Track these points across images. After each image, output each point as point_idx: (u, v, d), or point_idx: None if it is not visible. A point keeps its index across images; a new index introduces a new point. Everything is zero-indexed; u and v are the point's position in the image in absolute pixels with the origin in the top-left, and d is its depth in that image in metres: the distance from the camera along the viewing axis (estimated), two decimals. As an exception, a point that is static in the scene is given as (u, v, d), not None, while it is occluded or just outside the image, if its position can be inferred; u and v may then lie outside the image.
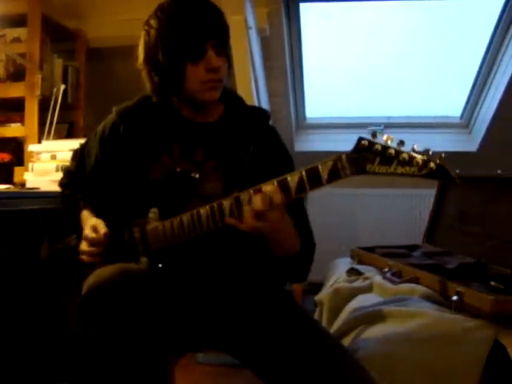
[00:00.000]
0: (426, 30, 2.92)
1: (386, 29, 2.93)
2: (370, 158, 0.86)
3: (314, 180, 0.92)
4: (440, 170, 0.83)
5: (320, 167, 0.91)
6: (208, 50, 1.09)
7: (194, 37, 1.08)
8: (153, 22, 1.11)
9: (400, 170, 0.85)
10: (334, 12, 2.91)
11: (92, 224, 1.15)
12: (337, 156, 0.90)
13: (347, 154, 0.89)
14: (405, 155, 0.84)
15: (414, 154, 0.84)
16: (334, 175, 0.90)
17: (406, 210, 3.07)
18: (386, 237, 2.97)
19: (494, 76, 2.80)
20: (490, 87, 2.86)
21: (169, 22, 1.09)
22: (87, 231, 1.14)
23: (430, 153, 0.84)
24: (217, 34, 1.10)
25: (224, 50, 1.13)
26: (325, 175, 0.91)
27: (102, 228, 1.12)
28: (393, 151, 0.85)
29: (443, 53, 2.94)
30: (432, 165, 0.83)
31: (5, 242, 1.71)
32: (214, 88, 1.13)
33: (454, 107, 3.11)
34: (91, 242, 1.13)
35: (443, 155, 0.84)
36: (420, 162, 0.84)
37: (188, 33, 1.08)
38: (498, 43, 2.71)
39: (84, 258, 1.15)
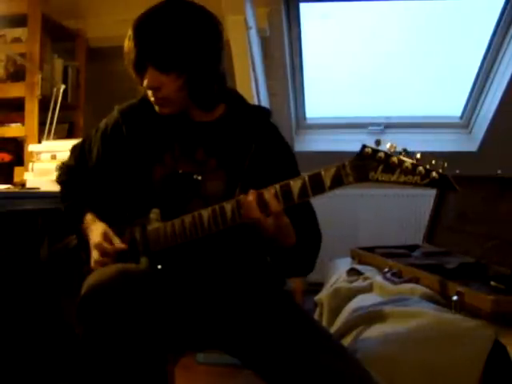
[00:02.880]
0: (426, 29, 2.92)
1: (386, 29, 2.93)
2: (373, 165, 0.87)
3: (316, 186, 0.92)
4: (442, 180, 0.84)
5: (323, 174, 0.91)
6: (148, 69, 1.08)
7: (134, 57, 1.08)
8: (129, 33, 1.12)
9: (403, 178, 0.85)
10: (334, 12, 2.91)
11: (102, 232, 1.15)
12: (340, 163, 0.90)
13: (350, 161, 0.89)
14: (408, 164, 0.85)
15: (417, 163, 0.85)
16: (337, 182, 0.90)
17: (406, 210, 3.07)
18: (386, 237, 2.97)
19: (494, 76, 2.80)
20: (490, 87, 2.86)
21: (126, 41, 1.11)
22: (99, 239, 1.14)
23: (433, 161, 0.85)
24: (153, 55, 1.07)
25: (174, 68, 1.08)
26: (328, 182, 0.91)
27: (117, 240, 1.13)
28: (396, 160, 0.86)
29: (443, 53, 2.94)
30: (434, 174, 0.84)
31: (5, 242, 1.71)
32: (158, 105, 1.14)
33: (454, 107, 3.11)
34: (104, 253, 1.13)
35: (446, 164, 0.84)
36: (423, 171, 0.84)
37: (131, 53, 1.09)
38: (498, 43, 2.72)
39: (94, 266, 1.14)
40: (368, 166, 0.87)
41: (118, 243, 1.13)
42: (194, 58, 1.09)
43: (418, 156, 0.86)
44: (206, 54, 1.11)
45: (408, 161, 0.85)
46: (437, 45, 2.92)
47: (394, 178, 0.86)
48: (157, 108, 1.15)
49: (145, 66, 1.08)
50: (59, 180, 1.37)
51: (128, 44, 1.10)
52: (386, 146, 0.87)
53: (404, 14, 2.87)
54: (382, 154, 0.86)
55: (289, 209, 1.01)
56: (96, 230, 1.17)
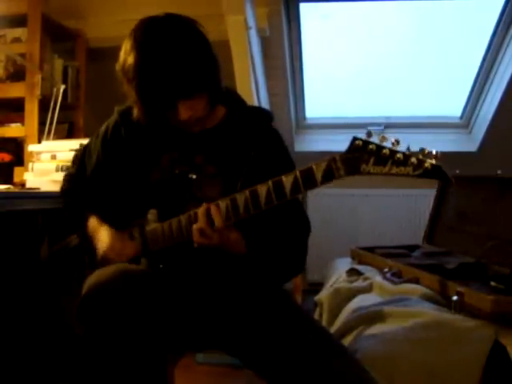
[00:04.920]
0: (426, 30, 2.92)
1: (386, 29, 2.93)
2: (364, 158, 0.86)
3: (308, 181, 0.92)
4: (435, 170, 0.82)
5: (314, 168, 0.91)
6: (178, 105, 1.03)
7: (163, 96, 1.02)
8: (128, 61, 1.03)
9: (395, 170, 0.84)
10: (334, 12, 2.91)
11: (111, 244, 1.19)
12: (331, 157, 0.89)
13: (341, 154, 0.88)
14: (399, 155, 0.84)
15: (409, 154, 0.84)
16: (328, 176, 0.90)
17: (406, 210, 3.07)
18: (386, 237, 2.97)
19: (494, 76, 2.80)
20: (490, 87, 2.86)
21: (138, 77, 1.02)
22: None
23: (426, 152, 0.84)
24: (185, 92, 1.03)
25: (201, 89, 1.05)
26: (319, 176, 0.91)
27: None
28: (387, 151, 0.85)
29: (443, 53, 2.94)
30: (427, 164, 0.83)
31: (5, 242, 1.71)
32: (191, 126, 1.11)
33: (454, 107, 3.11)
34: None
35: (438, 154, 0.83)
36: (415, 161, 0.83)
37: (157, 92, 1.02)
38: (498, 43, 2.71)
39: None
40: (359, 158, 0.86)
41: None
42: (210, 70, 1.07)
43: (410, 147, 0.85)
44: (214, 61, 1.09)
45: (400, 152, 0.84)
46: (437, 45, 2.92)
47: (385, 169, 0.85)
48: (188, 129, 1.12)
49: (174, 103, 1.03)
50: (62, 190, 1.38)
51: (146, 85, 1.02)
52: (378, 138, 0.86)
53: (404, 14, 2.87)
54: (373, 146, 0.85)
55: (277, 213, 1.04)
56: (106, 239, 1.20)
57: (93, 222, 1.25)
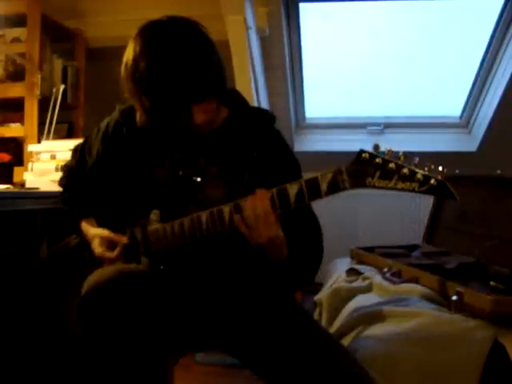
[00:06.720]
0: (426, 29, 2.92)
1: (386, 29, 2.93)
2: (370, 171, 0.86)
3: (313, 191, 0.92)
4: (441, 187, 0.82)
5: (320, 179, 0.91)
6: (192, 109, 1.02)
7: (177, 102, 1.01)
8: (140, 68, 1.00)
9: (400, 185, 0.84)
10: (334, 12, 2.90)
11: (99, 241, 1.18)
12: (337, 169, 0.89)
13: (347, 166, 0.88)
14: (406, 170, 0.83)
15: (416, 169, 0.83)
16: (334, 188, 0.90)
17: (406, 210, 3.07)
18: (386, 237, 2.97)
19: (494, 76, 2.80)
20: (489, 87, 2.85)
21: (153, 85, 1.00)
22: (99, 250, 1.17)
23: (432, 167, 0.83)
24: (198, 96, 1.02)
25: (212, 92, 1.04)
26: (324, 187, 0.91)
27: (117, 237, 1.16)
28: (393, 165, 0.84)
29: (443, 53, 2.94)
30: (433, 181, 0.82)
31: (4, 242, 1.71)
32: (205, 127, 1.10)
33: (453, 107, 3.11)
34: (110, 260, 1.15)
35: (445, 170, 0.83)
36: (421, 177, 0.83)
37: (172, 98, 1.00)
38: (498, 43, 2.71)
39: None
40: (365, 171, 0.86)
41: (119, 240, 1.16)
42: (219, 73, 1.06)
43: (417, 161, 0.84)
44: (221, 63, 1.08)
45: (406, 167, 0.84)
46: (436, 45, 2.92)
47: (391, 184, 0.85)
48: (198, 131, 1.10)
49: (188, 108, 1.02)
50: (61, 183, 1.38)
51: (161, 92, 0.99)
52: (384, 152, 0.86)
53: (403, 14, 2.87)
54: (379, 160, 0.85)
55: (292, 220, 1.01)
56: (94, 241, 1.20)
57: (83, 226, 1.25)
